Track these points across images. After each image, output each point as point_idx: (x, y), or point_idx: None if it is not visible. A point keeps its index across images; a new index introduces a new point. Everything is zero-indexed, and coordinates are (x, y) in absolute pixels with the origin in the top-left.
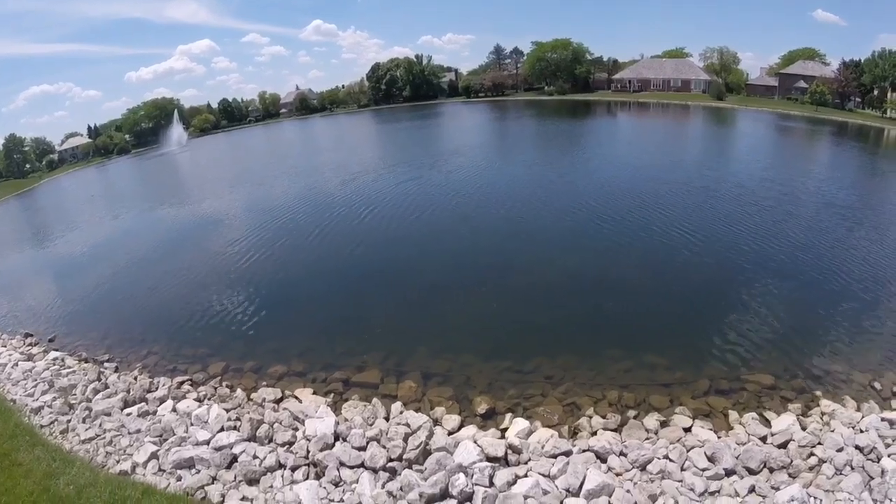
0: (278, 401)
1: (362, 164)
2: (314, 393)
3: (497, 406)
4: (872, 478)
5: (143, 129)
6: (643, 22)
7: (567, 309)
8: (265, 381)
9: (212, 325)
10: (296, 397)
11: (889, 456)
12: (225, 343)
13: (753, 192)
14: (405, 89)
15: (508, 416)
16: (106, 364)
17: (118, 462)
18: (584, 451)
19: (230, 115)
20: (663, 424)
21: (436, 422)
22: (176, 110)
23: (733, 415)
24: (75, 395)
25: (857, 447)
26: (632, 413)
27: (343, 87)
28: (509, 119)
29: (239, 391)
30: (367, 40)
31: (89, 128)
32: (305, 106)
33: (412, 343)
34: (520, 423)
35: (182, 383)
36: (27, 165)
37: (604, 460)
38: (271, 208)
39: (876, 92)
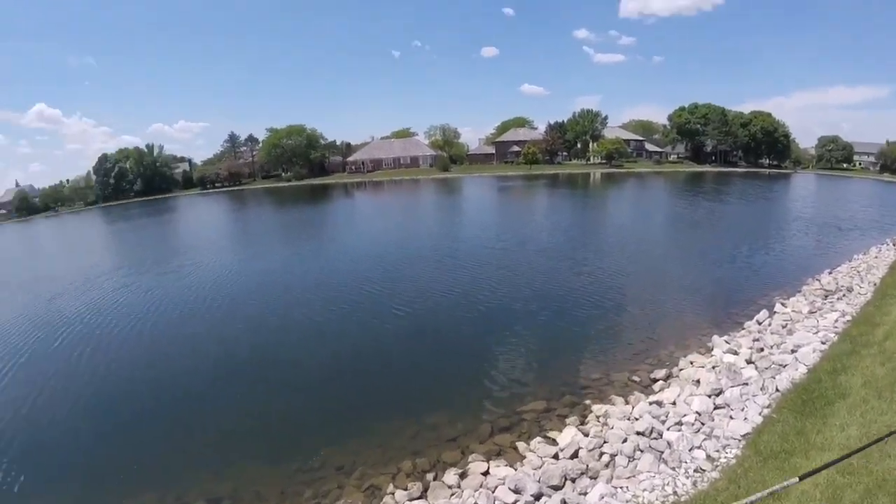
0: None
1: (77, 273)
2: None
3: None
4: (662, 452)
5: None
6: (371, 105)
7: (334, 393)
8: None
9: None
10: None
11: (668, 429)
12: None
13: (487, 248)
14: (136, 183)
15: None
16: None
17: None
18: None
19: None
20: (462, 476)
21: None
22: None
23: (522, 445)
24: None
25: (637, 433)
26: (430, 476)
27: (68, 182)
28: (248, 210)
29: None
30: (95, 128)
31: None
32: (27, 206)
33: (186, 471)
34: None
35: None
36: None
37: None
38: None
39: (579, 145)
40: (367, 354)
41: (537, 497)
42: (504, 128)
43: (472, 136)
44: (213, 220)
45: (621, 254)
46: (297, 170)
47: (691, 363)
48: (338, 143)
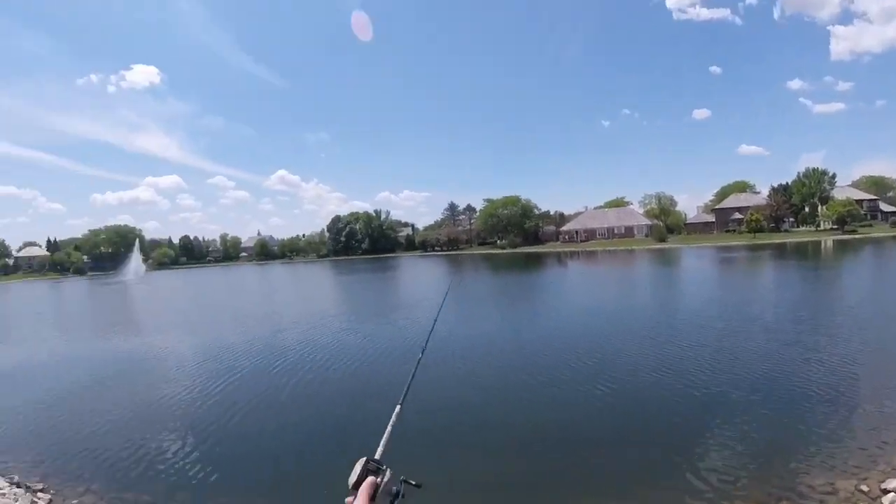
0: None
1: (304, 313)
2: None
3: None
4: None
5: (102, 253)
6: (583, 175)
7: (532, 465)
8: None
9: (158, 471)
10: None
11: None
12: (171, 493)
13: (706, 327)
14: (364, 242)
15: None
16: (40, 494)
17: None
18: None
19: (189, 253)
20: None
21: None
22: (137, 240)
23: None
24: None
25: None
26: None
27: (304, 236)
28: (465, 273)
29: None
30: (329, 193)
31: (49, 241)
32: (265, 252)
33: None
34: None
35: None
36: None
37: None
38: (219, 354)
39: (807, 209)
40: (570, 429)
41: None
42: (723, 193)
43: (689, 203)
44: (433, 281)
45: (858, 337)
46: (512, 238)
47: None
48: (551, 212)
